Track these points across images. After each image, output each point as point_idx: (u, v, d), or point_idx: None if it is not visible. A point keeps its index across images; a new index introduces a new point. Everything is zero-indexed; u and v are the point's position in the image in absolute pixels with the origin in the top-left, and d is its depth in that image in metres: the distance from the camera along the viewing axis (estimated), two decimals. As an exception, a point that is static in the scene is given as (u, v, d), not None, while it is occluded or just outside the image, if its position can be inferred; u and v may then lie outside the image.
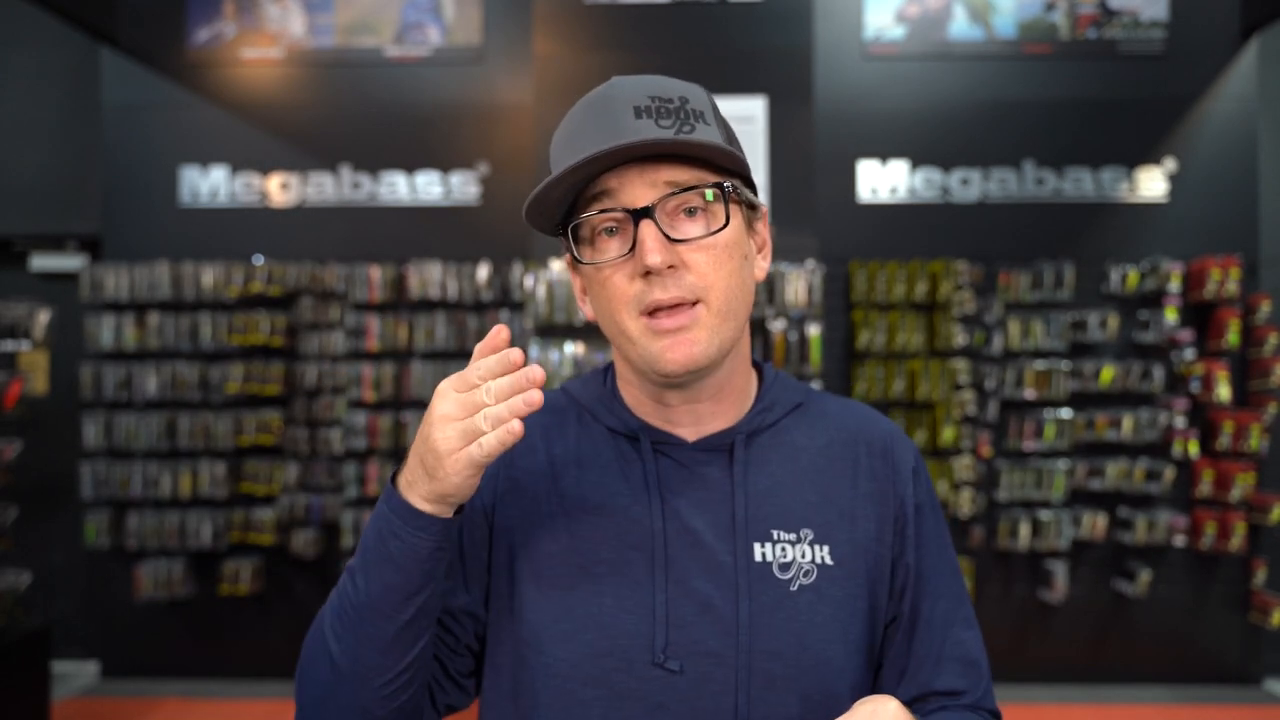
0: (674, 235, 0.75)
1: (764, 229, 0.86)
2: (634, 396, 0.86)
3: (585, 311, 0.86)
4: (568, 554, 0.81)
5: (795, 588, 0.80)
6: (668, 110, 0.76)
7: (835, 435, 0.88)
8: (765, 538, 0.81)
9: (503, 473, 0.86)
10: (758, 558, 0.80)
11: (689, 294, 0.75)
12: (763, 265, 0.85)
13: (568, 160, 0.74)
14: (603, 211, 0.76)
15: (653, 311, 0.76)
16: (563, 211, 0.80)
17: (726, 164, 0.78)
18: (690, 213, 0.77)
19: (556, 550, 0.81)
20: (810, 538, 0.82)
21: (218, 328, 4.15)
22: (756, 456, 0.84)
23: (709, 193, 0.76)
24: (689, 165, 0.76)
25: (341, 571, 0.78)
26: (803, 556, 0.81)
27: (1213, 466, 4.00)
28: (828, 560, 0.81)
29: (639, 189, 0.75)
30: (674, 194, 0.75)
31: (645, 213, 0.74)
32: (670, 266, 0.75)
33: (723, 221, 0.77)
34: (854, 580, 0.82)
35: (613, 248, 0.77)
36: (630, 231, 0.75)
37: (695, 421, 0.84)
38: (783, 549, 0.81)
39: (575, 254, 0.80)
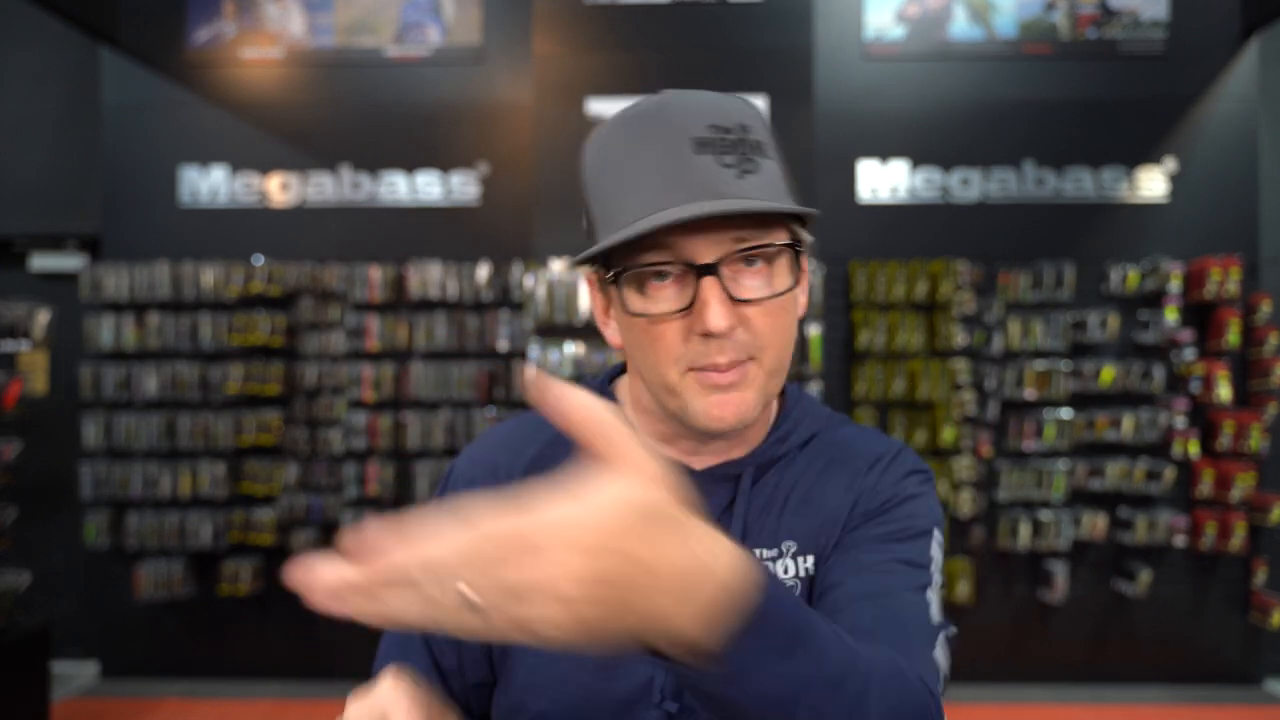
0: (737, 295, 0.70)
1: (804, 262, 0.80)
2: (649, 425, 0.82)
3: (608, 335, 0.80)
4: None
5: None
6: (728, 144, 0.70)
7: (836, 455, 0.83)
8: None
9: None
10: None
11: (743, 354, 0.71)
12: (802, 300, 0.80)
13: (627, 200, 0.70)
14: (662, 263, 0.70)
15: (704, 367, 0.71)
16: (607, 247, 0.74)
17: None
18: (750, 262, 0.71)
19: None
20: (793, 550, 0.78)
21: (218, 328, 4.14)
22: (757, 491, 0.80)
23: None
24: (754, 216, 0.70)
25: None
26: (785, 572, 0.77)
27: (1213, 466, 4.00)
28: (812, 571, 0.78)
29: (701, 244, 0.69)
30: (740, 251, 0.70)
31: (709, 270, 0.69)
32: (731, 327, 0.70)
33: (788, 283, 0.72)
34: None
35: (666, 296, 0.71)
36: (688, 282, 0.70)
37: (712, 454, 0.80)
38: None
39: (624, 301, 0.73)
